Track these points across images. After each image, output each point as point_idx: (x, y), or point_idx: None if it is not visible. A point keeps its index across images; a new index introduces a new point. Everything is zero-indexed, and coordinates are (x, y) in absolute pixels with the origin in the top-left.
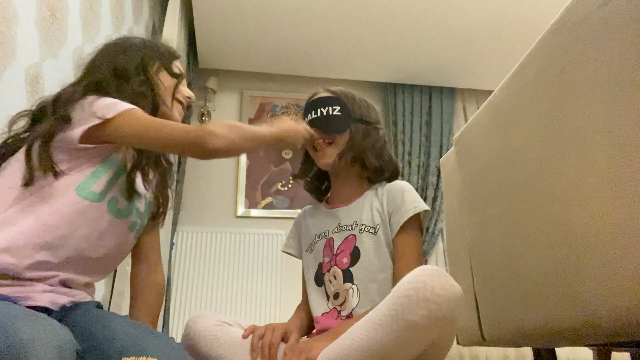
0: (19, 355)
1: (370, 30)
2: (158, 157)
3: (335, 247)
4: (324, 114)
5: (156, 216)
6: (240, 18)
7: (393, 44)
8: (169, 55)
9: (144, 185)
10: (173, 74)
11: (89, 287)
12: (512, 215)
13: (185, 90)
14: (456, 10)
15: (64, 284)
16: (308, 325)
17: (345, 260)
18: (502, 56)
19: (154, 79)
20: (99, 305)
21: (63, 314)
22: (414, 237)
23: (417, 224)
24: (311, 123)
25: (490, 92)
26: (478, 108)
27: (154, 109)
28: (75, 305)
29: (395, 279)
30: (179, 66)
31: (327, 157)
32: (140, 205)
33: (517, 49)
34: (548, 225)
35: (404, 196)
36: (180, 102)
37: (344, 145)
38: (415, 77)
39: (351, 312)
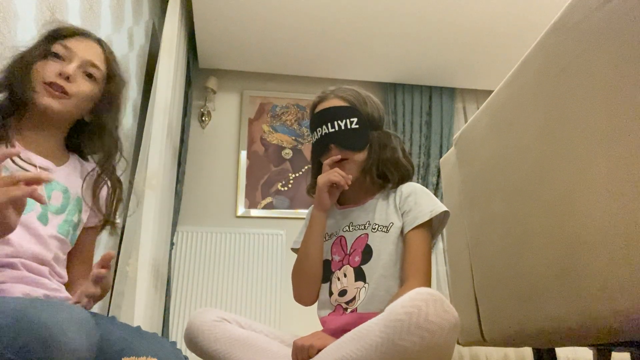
0: (52, 341)
1: (370, 31)
2: None
3: (349, 245)
4: (342, 127)
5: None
6: (240, 18)
7: (393, 44)
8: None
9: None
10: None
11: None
12: (512, 215)
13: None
14: (456, 10)
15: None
16: None
17: (357, 259)
18: (502, 56)
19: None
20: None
21: None
22: (424, 233)
23: (429, 224)
24: (327, 138)
25: (490, 92)
26: (478, 108)
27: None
28: None
29: (402, 274)
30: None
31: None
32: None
33: (517, 49)
34: (548, 225)
35: (418, 199)
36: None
37: (363, 160)
38: (415, 77)
39: (355, 309)
